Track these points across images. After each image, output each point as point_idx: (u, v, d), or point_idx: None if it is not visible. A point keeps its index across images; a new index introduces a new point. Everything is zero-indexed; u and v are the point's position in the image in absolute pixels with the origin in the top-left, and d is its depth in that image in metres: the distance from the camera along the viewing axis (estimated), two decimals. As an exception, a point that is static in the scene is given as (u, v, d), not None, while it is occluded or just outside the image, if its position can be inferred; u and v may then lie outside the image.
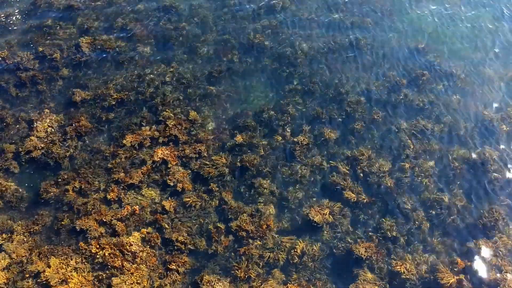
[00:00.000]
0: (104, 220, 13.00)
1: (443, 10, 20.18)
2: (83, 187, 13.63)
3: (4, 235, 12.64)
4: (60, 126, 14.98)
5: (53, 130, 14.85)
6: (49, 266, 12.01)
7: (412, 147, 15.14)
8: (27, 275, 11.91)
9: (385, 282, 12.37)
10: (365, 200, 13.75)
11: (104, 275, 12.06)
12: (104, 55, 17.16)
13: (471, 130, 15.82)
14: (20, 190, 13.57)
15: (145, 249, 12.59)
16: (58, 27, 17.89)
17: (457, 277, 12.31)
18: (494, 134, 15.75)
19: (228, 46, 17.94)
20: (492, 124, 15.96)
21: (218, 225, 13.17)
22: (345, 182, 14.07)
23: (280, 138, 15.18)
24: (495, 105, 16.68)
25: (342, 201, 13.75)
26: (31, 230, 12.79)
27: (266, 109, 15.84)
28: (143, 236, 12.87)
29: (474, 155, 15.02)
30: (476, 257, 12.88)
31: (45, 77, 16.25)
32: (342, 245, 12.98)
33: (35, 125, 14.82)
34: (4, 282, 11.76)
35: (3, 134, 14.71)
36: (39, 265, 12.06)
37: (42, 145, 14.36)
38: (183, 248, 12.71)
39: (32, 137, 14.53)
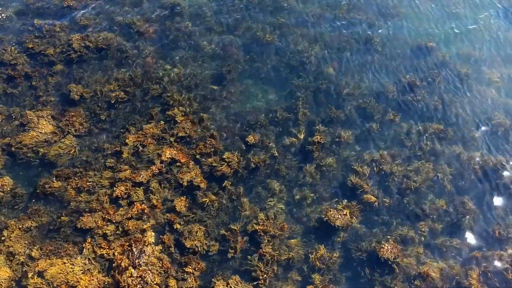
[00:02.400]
0: (114, 220, 12.54)
1: (452, 10, 20.30)
2: (84, 184, 13.15)
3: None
4: (58, 122, 14.49)
5: (50, 126, 14.31)
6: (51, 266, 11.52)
7: (426, 149, 15.03)
8: (31, 274, 11.40)
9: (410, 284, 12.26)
10: (386, 203, 13.60)
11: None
12: (105, 53, 16.68)
13: (484, 133, 15.73)
14: (18, 187, 13.12)
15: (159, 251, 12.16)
16: (54, 26, 17.28)
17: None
18: (505, 139, 15.70)
19: (234, 45, 17.62)
20: (503, 129, 15.89)
21: (233, 226, 12.80)
22: (363, 184, 13.87)
23: (294, 138, 14.91)
24: (505, 108, 16.63)
25: (361, 203, 13.56)
26: (28, 227, 12.31)
27: (276, 109, 15.59)
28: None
29: (489, 160, 14.88)
30: (493, 264, 12.76)
31: (41, 74, 15.73)
32: (365, 246, 12.80)
33: (31, 121, 14.30)
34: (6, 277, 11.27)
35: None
36: (40, 264, 11.57)
37: (39, 142, 13.87)
38: (197, 250, 12.31)
39: (29, 133, 14.01)
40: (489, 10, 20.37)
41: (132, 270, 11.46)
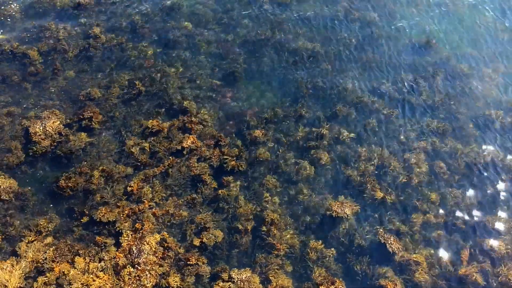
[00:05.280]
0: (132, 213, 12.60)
1: (452, 8, 20.50)
2: (101, 179, 13.22)
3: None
4: (68, 121, 14.49)
5: (61, 125, 14.26)
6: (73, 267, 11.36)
7: (425, 144, 15.15)
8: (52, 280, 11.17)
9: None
10: (389, 199, 13.68)
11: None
12: (108, 54, 16.74)
13: (483, 129, 15.87)
14: (29, 189, 12.97)
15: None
16: (60, 27, 17.36)
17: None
18: (503, 135, 15.85)
19: (233, 43, 17.71)
20: (501, 125, 16.04)
21: (243, 223, 12.85)
22: (367, 180, 14.01)
23: (293, 135, 15.02)
24: (503, 105, 16.78)
25: (361, 198, 13.71)
26: (48, 228, 12.17)
27: (275, 107, 15.69)
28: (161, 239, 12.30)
29: (487, 155, 15.06)
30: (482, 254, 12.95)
31: (50, 73, 15.76)
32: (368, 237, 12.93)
33: (44, 120, 14.23)
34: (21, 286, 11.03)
35: (8, 131, 14.08)
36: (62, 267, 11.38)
37: (51, 140, 13.87)
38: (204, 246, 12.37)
39: (41, 132, 13.96)
40: (488, 8, 20.58)
41: (131, 269, 11.39)
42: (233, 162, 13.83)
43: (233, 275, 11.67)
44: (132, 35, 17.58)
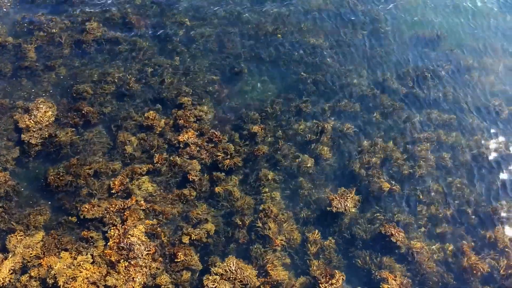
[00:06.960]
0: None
1: (455, 0, 20.55)
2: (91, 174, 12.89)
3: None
4: (58, 115, 14.14)
5: (52, 119, 13.93)
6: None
7: (428, 136, 15.02)
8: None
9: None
10: (395, 190, 13.49)
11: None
12: (101, 47, 16.40)
13: (486, 121, 15.83)
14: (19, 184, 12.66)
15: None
16: (52, 20, 17.01)
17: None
18: (506, 126, 15.80)
19: (233, 38, 17.42)
20: (504, 116, 16.00)
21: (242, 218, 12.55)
22: (370, 173, 13.82)
23: (293, 129, 14.78)
24: (506, 96, 16.72)
25: (364, 190, 13.53)
26: (37, 224, 11.82)
27: (277, 101, 15.45)
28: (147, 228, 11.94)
29: (490, 146, 15.06)
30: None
31: (42, 67, 15.40)
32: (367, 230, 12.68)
33: (34, 114, 13.89)
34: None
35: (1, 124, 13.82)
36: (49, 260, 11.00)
37: (42, 135, 13.50)
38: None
39: (32, 126, 13.62)
40: (491, 1, 20.66)
41: (126, 263, 11.09)
42: (227, 160, 13.49)
43: (215, 270, 11.38)
44: (125, 28, 17.27)
